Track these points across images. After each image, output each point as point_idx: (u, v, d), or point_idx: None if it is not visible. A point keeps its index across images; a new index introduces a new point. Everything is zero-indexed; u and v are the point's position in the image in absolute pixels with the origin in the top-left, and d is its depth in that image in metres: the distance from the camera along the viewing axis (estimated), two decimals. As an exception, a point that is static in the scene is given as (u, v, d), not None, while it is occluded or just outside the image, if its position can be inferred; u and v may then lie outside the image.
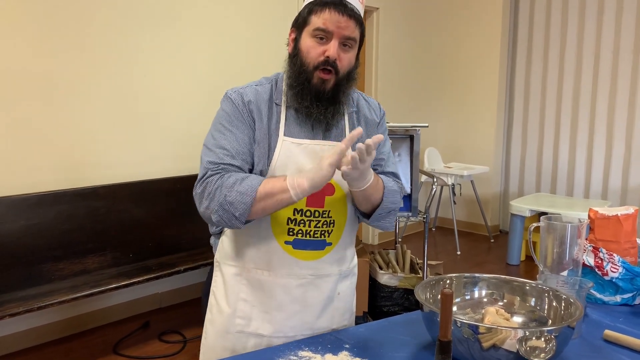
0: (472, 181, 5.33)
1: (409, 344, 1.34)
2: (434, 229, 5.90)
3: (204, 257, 3.31)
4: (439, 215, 5.91)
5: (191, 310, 3.60)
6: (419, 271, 3.16)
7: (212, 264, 3.57)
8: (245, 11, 3.87)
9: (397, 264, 3.22)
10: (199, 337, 3.31)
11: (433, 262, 3.41)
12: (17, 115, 2.87)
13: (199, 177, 1.32)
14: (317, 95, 1.33)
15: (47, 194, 2.93)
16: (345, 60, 1.33)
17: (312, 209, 1.36)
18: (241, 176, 1.28)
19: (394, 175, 1.52)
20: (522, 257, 4.77)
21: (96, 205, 3.12)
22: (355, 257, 1.56)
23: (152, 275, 3.02)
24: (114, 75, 3.24)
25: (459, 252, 5.03)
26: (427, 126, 2.77)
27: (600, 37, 4.98)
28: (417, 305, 3.08)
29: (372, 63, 5.09)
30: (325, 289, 1.45)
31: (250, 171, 1.35)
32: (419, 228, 5.75)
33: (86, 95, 3.13)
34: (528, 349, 1.16)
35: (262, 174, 1.34)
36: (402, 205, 1.53)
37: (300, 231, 1.37)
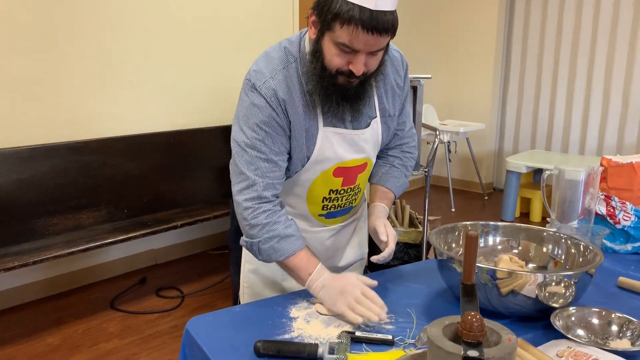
0: (467, 138, 5.29)
1: (422, 292, 1.32)
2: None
3: (200, 213, 3.25)
4: (433, 173, 5.89)
5: (187, 267, 3.58)
6: (419, 225, 3.14)
7: (209, 219, 3.45)
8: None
9: (397, 219, 3.20)
10: (197, 292, 3.28)
11: (431, 218, 3.40)
12: (7, 69, 2.76)
13: (238, 179, 1.28)
14: (343, 95, 1.22)
15: (39, 147, 2.84)
16: (373, 64, 1.20)
17: (346, 187, 1.40)
18: (283, 233, 1.26)
19: (411, 130, 1.57)
20: (517, 214, 4.78)
21: (89, 160, 3.03)
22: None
23: (149, 230, 2.96)
24: (107, 29, 3.09)
25: (453, 209, 5.04)
26: (430, 77, 2.69)
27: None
28: (417, 259, 3.08)
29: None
30: (348, 232, 1.58)
31: (288, 160, 1.31)
32: (417, 185, 5.74)
33: (78, 48, 2.99)
34: (547, 294, 1.14)
35: (302, 163, 1.31)
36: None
37: (333, 206, 1.43)
